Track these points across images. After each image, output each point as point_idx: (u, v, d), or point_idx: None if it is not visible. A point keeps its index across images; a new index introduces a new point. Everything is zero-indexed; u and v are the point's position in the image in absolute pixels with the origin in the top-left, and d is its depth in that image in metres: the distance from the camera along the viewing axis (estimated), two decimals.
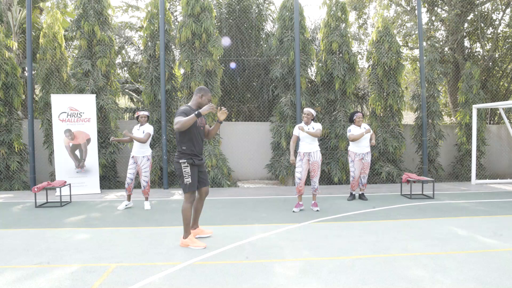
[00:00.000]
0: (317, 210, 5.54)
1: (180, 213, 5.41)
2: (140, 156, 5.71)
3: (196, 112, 3.56)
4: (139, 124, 5.80)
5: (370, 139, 6.10)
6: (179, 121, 3.55)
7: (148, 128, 5.74)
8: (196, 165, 3.81)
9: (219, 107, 3.85)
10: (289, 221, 4.91)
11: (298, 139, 5.51)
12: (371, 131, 6.07)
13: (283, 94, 8.81)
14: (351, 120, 6.32)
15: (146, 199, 5.93)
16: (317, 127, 5.37)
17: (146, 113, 5.78)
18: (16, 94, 8.03)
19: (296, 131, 5.48)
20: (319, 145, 5.71)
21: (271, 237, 4.16)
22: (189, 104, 3.87)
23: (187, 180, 3.74)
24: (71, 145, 7.34)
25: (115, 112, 8.24)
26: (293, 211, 5.49)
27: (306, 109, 5.45)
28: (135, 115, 5.80)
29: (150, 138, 5.76)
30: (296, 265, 3.27)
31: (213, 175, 8.11)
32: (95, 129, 7.45)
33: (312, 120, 5.52)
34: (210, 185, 8.04)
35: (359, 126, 6.21)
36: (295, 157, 5.52)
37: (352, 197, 6.51)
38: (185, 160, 3.74)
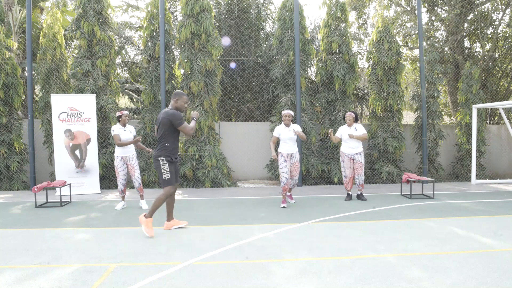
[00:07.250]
0: (294, 202, 6.05)
1: (180, 213, 5.42)
2: (130, 155, 5.75)
3: (195, 119, 4.38)
4: (119, 124, 5.66)
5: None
6: (192, 127, 4.25)
7: (134, 129, 5.89)
8: (173, 162, 4.23)
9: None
10: (289, 221, 4.91)
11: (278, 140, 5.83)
12: (354, 135, 6.06)
13: (283, 94, 8.80)
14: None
15: (142, 197, 5.90)
16: (297, 128, 5.70)
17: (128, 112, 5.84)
18: (16, 94, 8.03)
19: (276, 133, 5.77)
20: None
21: (271, 237, 4.16)
22: (170, 108, 4.25)
23: (166, 175, 4.18)
24: (71, 145, 7.34)
25: (115, 112, 8.24)
26: (284, 207, 5.80)
27: (287, 112, 5.70)
28: (117, 115, 5.69)
29: None
30: (296, 265, 3.27)
31: (213, 175, 8.10)
32: (95, 129, 7.45)
33: (292, 121, 5.92)
34: (210, 185, 8.12)
35: (350, 125, 6.26)
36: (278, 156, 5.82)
37: (349, 197, 6.51)
38: (163, 158, 4.16)
